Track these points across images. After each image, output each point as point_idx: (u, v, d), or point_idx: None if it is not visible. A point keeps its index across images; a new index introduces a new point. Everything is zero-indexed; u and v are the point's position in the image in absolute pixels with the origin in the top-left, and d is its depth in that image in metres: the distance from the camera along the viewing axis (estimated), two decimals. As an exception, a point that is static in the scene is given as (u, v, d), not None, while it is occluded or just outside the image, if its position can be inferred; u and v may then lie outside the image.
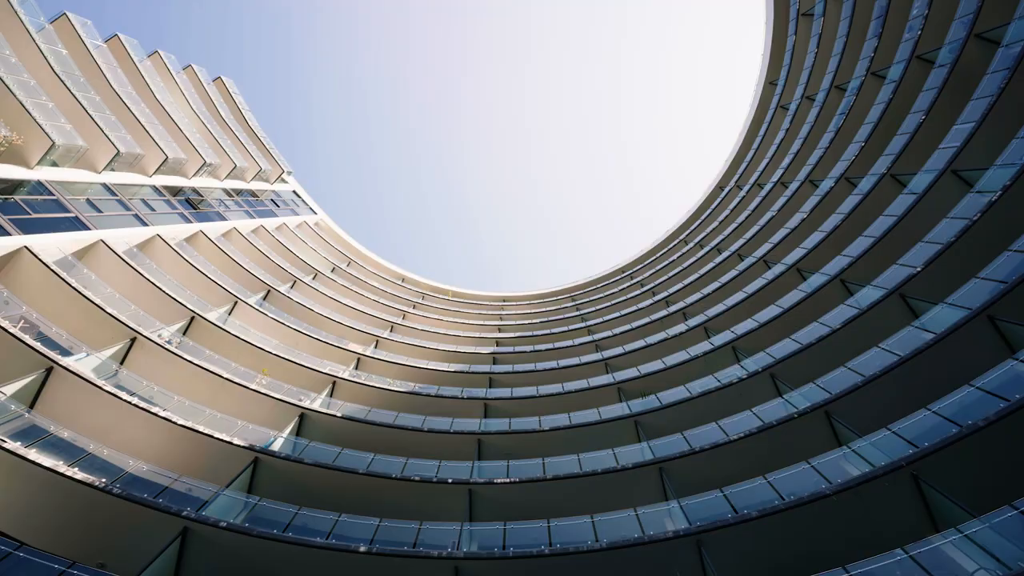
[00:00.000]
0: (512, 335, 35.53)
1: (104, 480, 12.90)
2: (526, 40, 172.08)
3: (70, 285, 17.76)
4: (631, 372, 24.52)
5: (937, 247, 17.34)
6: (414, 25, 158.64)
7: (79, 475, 12.63)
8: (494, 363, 30.80)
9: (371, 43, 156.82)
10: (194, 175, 31.05)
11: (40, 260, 17.49)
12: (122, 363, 18.17)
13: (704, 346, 24.13)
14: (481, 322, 39.78)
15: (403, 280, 48.87)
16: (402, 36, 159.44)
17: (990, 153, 17.49)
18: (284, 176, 43.91)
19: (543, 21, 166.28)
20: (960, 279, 15.80)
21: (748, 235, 31.63)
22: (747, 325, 23.37)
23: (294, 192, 45.59)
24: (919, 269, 17.43)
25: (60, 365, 15.14)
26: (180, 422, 16.14)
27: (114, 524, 12.91)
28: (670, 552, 12.67)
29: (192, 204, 29.72)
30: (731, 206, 38.39)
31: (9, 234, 17.15)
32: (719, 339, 23.91)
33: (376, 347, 30.68)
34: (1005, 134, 17.09)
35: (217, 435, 16.53)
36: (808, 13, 35.71)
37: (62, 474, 12.39)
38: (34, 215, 18.93)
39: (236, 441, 16.70)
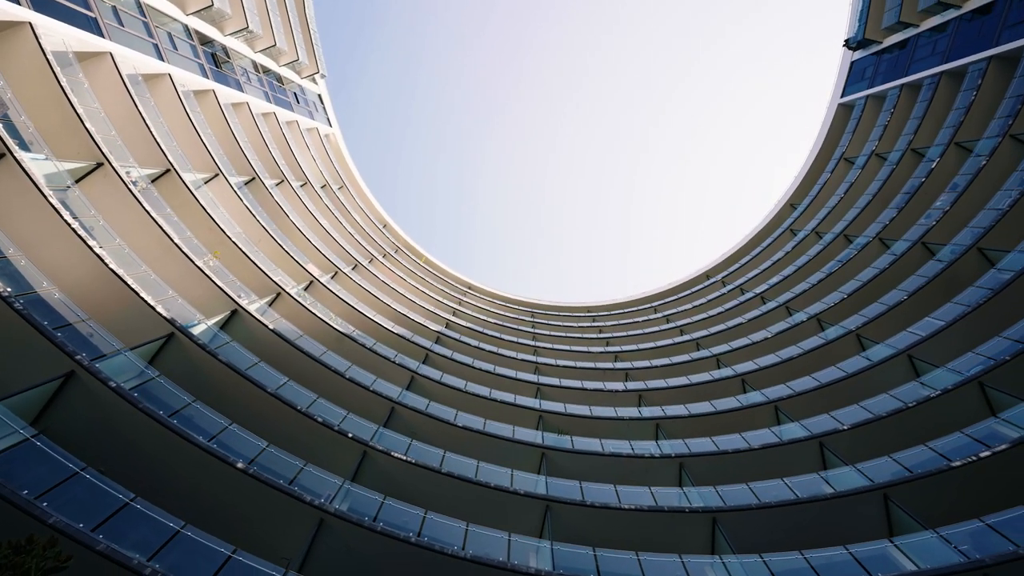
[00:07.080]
0: (464, 323, 35.38)
1: (9, 290, 12.03)
2: (583, 68, 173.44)
3: (59, 81, 16.52)
4: (558, 406, 24.81)
5: (868, 415, 18.50)
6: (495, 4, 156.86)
7: (-15, 274, 11.74)
8: (436, 342, 30.59)
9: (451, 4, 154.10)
10: (230, 34, 29.56)
11: (38, 42, 16.19)
12: (77, 183, 17.02)
13: (632, 411, 24.75)
14: (440, 299, 39.45)
15: (385, 226, 48.00)
16: (482, 12, 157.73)
17: (946, 354, 18.82)
18: (316, 77, 42.36)
19: (603, 54, 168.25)
20: (875, 451, 16.93)
21: (712, 329, 32.74)
22: (678, 410, 24.12)
23: (319, 96, 44.07)
24: (845, 428, 18.52)
25: (14, 156, 14.00)
26: (112, 266, 15.24)
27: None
28: (525, 586, 12.88)
29: (216, 61, 28.26)
30: (708, 297, 39.63)
31: (19, 3, 15.83)
32: (648, 411, 24.59)
33: (333, 278, 29.95)
34: (965, 344, 18.43)
35: (143, 294, 15.70)
36: (850, 160, 37.45)
37: (-32, 266, 11.49)
38: (52, -3, 17.54)
39: (159, 308, 15.91)
